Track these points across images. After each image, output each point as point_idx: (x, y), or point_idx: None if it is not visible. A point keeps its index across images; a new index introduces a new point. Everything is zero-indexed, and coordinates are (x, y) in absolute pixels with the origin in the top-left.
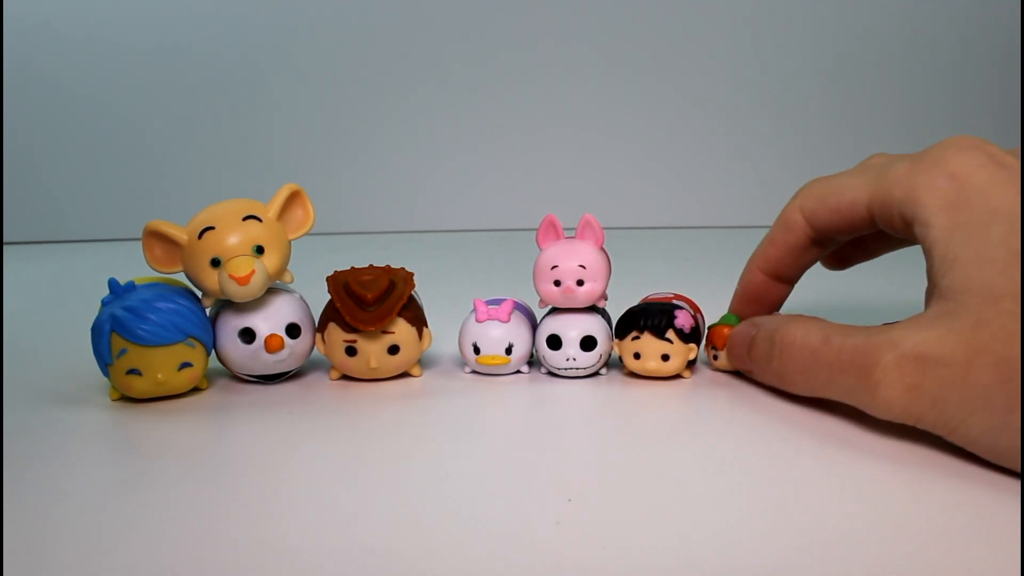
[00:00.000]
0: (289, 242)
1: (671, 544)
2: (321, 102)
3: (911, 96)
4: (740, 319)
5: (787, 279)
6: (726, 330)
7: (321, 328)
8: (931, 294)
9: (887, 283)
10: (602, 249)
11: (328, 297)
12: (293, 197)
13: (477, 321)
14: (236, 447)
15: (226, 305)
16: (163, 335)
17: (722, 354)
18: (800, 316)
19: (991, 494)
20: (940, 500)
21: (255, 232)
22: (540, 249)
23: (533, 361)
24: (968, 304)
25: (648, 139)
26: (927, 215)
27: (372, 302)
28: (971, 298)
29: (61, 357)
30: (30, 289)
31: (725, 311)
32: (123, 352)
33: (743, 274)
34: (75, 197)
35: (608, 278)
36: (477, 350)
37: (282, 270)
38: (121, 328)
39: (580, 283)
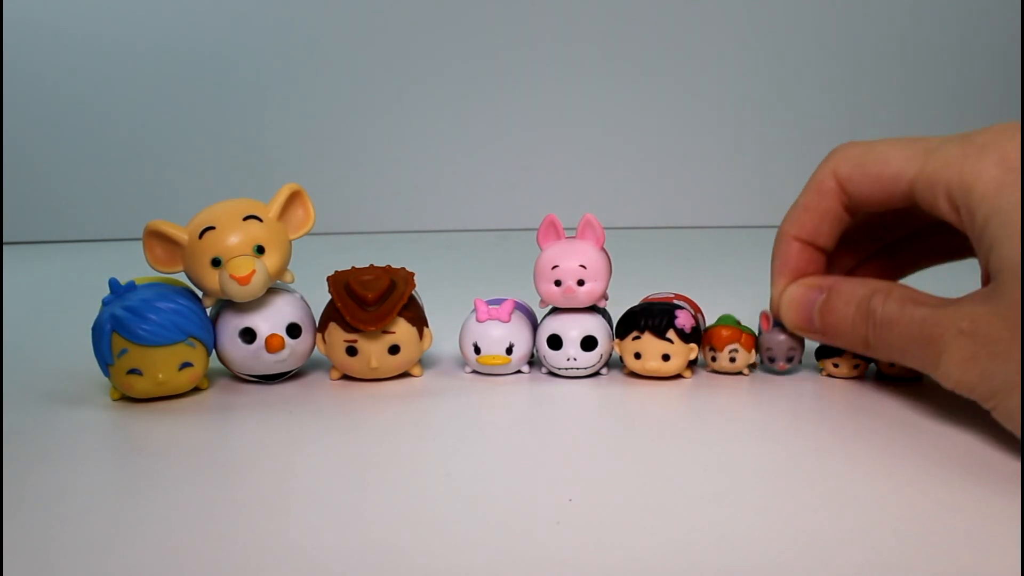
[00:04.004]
0: (290, 242)
1: (671, 544)
2: (321, 102)
3: (912, 95)
4: (733, 319)
5: (823, 248)
6: (724, 331)
7: (322, 328)
8: (983, 276)
9: None
10: (603, 249)
11: (329, 297)
12: (294, 197)
13: (478, 321)
14: (237, 447)
15: (227, 305)
16: (164, 335)
17: (720, 355)
18: (870, 280)
19: (991, 494)
20: (940, 500)
21: (256, 232)
22: (541, 249)
23: (534, 361)
24: (1009, 284)
25: (648, 139)
26: (975, 202)
27: (373, 302)
28: (1011, 278)
29: (61, 357)
30: (30, 289)
31: (725, 311)
32: (124, 352)
33: (777, 245)
34: (75, 197)
35: (609, 278)
36: (478, 350)
37: (283, 270)
38: (122, 328)
39: (581, 283)
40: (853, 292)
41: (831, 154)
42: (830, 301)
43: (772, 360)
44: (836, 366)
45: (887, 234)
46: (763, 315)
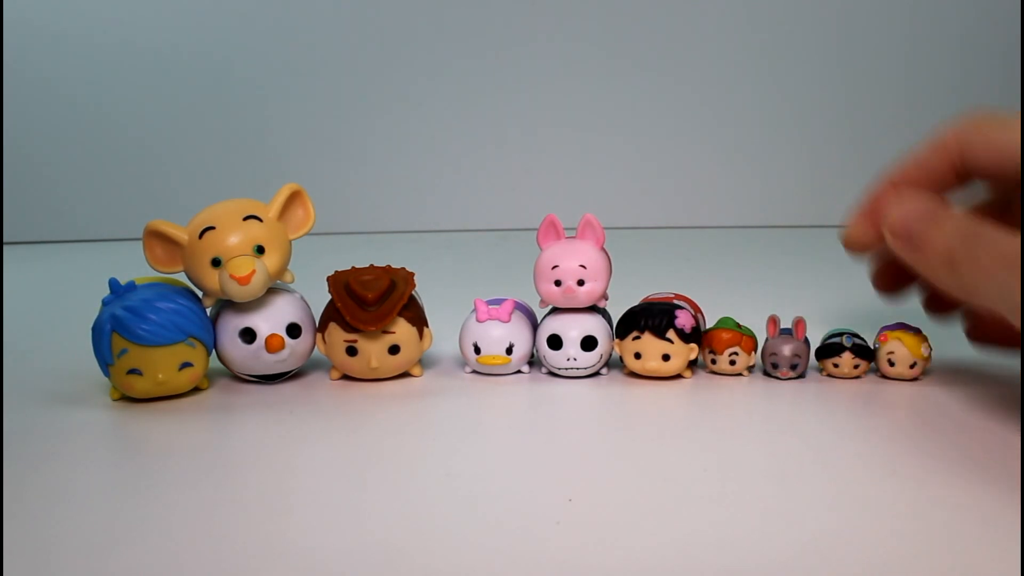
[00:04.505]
0: (290, 242)
1: (671, 544)
2: (322, 102)
3: (912, 95)
4: (733, 322)
5: None
6: (724, 335)
7: (322, 328)
8: None
9: None
10: (603, 249)
11: (329, 297)
12: (294, 197)
13: (478, 321)
14: (237, 447)
15: (227, 305)
16: (164, 335)
17: (720, 358)
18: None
19: (991, 494)
20: (940, 500)
21: (256, 232)
22: (541, 249)
23: (534, 361)
24: None
25: (648, 139)
26: None
27: (373, 302)
28: None
29: (61, 357)
30: (30, 289)
31: (725, 311)
32: (124, 352)
33: (873, 187)
34: (75, 197)
35: (609, 278)
36: (478, 350)
37: (283, 270)
38: (122, 328)
39: (581, 283)
40: (962, 214)
41: (961, 120)
42: (941, 214)
43: (775, 366)
44: (836, 366)
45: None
46: (770, 320)
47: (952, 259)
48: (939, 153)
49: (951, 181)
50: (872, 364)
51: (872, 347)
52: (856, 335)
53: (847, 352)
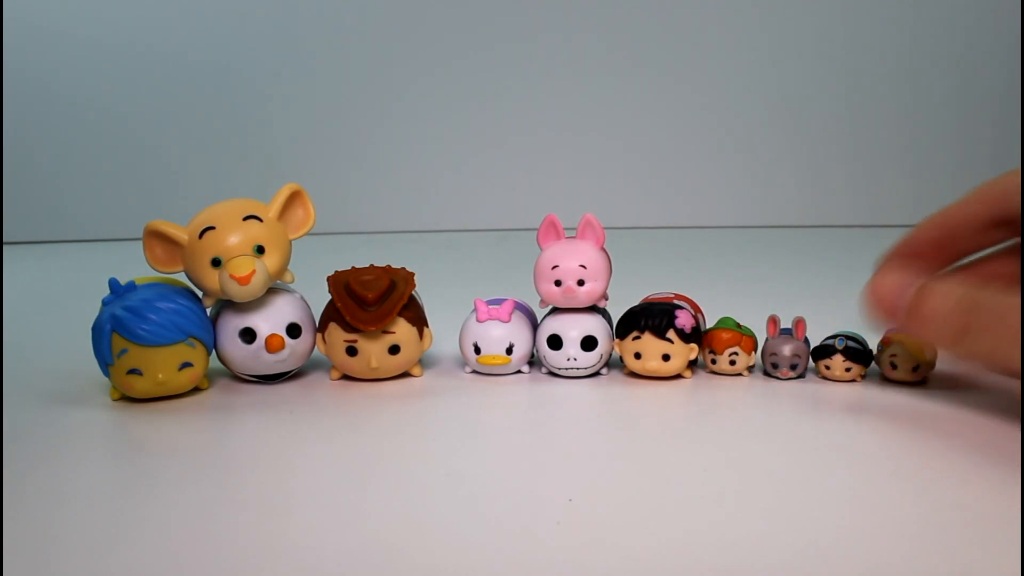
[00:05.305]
0: (290, 242)
1: (671, 544)
2: (321, 102)
3: (912, 96)
4: (733, 322)
5: (955, 251)
6: (724, 335)
7: (322, 328)
8: None
9: None
10: (603, 249)
11: (329, 297)
12: (294, 197)
13: (478, 321)
14: (237, 447)
15: (227, 305)
16: (164, 335)
17: (720, 358)
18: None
19: (991, 495)
20: (940, 501)
21: (256, 232)
22: (541, 249)
23: (534, 361)
24: None
25: (648, 139)
26: None
27: (373, 302)
28: None
29: (61, 357)
30: (30, 289)
31: (725, 312)
32: (124, 352)
33: (912, 231)
34: (75, 197)
35: (609, 278)
36: (478, 350)
37: (283, 270)
38: (122, 328)
39: (581, 283)
40: (953, 286)
41: (1001, 175)
42: (930, 286)
43: (775, 366)
44: (827, 368)
45: None
46: (770, 320)
47: (967, 329)
48: (981, 200)
49: (991, 231)
50: (868, 369)
51: (875, 350)
52: (853, 338)
53: (838, 354)
